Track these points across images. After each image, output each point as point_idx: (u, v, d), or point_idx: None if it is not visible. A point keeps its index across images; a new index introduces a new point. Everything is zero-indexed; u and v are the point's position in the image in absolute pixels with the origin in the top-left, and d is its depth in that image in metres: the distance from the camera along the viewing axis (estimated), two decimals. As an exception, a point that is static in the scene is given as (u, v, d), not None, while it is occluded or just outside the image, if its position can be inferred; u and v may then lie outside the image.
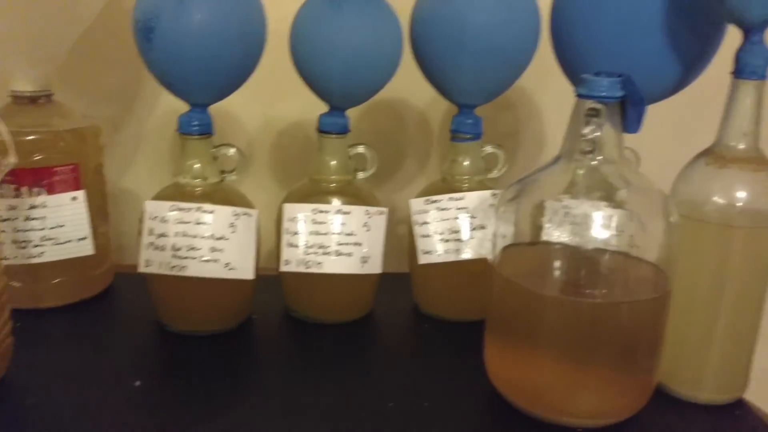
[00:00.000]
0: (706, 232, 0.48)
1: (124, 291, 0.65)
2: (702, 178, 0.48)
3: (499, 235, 0.49)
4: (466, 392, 0.51)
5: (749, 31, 0.45)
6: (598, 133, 0.44)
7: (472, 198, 0.59)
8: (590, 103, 0.44)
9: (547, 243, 0.47)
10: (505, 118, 0.82)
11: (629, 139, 0.57)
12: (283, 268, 0.57)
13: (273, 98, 0.76)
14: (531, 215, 0.48)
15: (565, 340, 0.46)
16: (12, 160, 0.47)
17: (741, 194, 0.47)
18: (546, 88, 0.78)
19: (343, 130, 0.58)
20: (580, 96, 0.45)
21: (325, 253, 0.57)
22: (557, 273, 0.47)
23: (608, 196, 0.45)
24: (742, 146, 0.47)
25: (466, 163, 0.60)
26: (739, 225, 0.48)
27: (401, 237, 0.68)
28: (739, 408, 0.51)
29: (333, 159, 0.58)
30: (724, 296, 0.48)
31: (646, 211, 0.46)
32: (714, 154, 0.48)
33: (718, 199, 0.48)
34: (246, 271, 0.55)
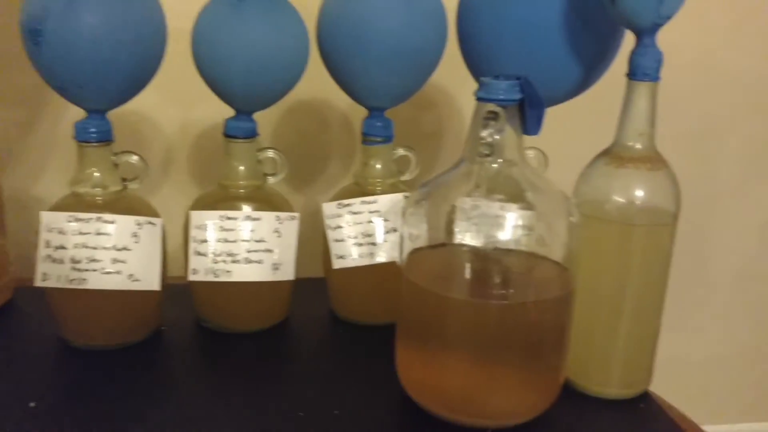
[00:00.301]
0: (607, 231, 0.49)
1: (25, 305, 0.62)
2: (602, 178, 0.49)
3: (407, 238, 0.49)
4: (378, 397, 0.50)
5: (641, 34, 0.46)
6: (497, 137, 0.45)
7: (385, 201, 0.58)
8: (489, 106, 0.44)
9: (455, 245, 0.47)
10: (427, 118, 0.82)
11: (537, 139, 0.57)
12: (191, 278, 0.55)
13: (191, 100, 0.74)
14: (439, 217, 0.48)
15: (473, 341, 0.46)
16: None
17: (639, 193, 0.48)
18: (467, 88, 0.78)
19: (250, 135, 0.56)
20: (479, 99, 0.45)
21: (234, 261, 0.55)
22: (464, 275, 0.47)
23: (512, 197, 0.46)
24: (638, 146, 0.48)
25: (378, 166, 0.59)
26: (638, 223, 0.49)
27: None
28: (643, 401, 0.52)
29: (241, 164, 0.57)
30: (627, 293, 0.49)
31: (549, 211, 0.47)
32: (612, 154, 0.49)
33: (617, 198, 0.49)
34: (151, 282, 0.53)
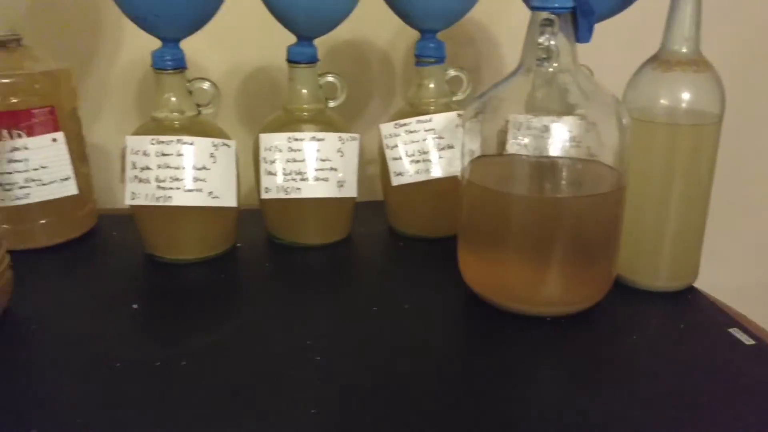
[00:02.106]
0: (655, 132, 0.52)
1: (109, 230, 0.67)
2: (649, 82, 0.52)
3: (467, 148, 0.52)
4: (442, 294, 0.55)
5: (686, -60, 0.49)
6: (553, 42, 0.48)
7: (439, 120, 0.62)
8: (544, 15, 0.47)
9: (511, 154, 0.51)
10: (465, 54, 0.85)
11: (584, 57, 0.60)
12: (264, 196, 0.60)
13: (238, 43, 0.77)
14: (496, 128, 0.51)
15: (532, 236, 0.50)
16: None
17: (685, 95, 0.52)
18: (503, 23, 0.81)
19: (312, 60, 0.60)
20: (534, 8, 0.48)
21: (302, 179, 0.60)
22: (521, 176, 0.51)
23: (565, 105, 0.49)
24: (684, 50, 0.51)
25: (431, 86, 0.63)
26: (684, 123, 0.52)
27: (370, 177, 0.71)
28: (690, 293, 0.56)
29: (304, 88, 0.60)
30: (674, 191, 0.53)
31: (600, 115, 0.50)
32: (659, 60, 0.52)
33: (664, 101, 0.52)
34: (229, 199, 0.58)
